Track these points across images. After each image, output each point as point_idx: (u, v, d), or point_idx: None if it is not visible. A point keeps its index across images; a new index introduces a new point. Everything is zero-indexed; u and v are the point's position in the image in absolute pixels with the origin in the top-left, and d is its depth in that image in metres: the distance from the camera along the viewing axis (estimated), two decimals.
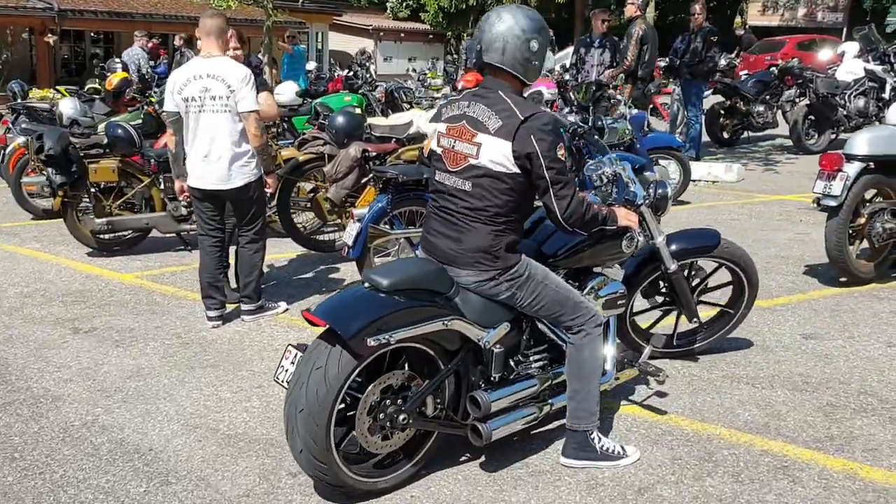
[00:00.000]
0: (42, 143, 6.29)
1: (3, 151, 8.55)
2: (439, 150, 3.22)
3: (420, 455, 3.21)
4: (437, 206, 3.24)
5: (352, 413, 3.04)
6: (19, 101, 10.35)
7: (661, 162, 7.85)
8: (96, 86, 11.81)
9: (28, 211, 8.11)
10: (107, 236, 6.77)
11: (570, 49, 14.14)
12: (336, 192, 6.05)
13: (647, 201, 3.70)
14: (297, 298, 5.56)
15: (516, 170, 3.02)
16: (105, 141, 6.60)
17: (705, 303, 4.46)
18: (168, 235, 6.89)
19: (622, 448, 3.39)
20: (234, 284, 5.31)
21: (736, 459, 3.41)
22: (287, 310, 5.33)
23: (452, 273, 3.14)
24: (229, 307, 5.21)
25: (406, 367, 3.13)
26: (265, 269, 5.47)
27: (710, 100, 12.36)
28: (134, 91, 10.38)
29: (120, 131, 6.55)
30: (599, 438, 3.34)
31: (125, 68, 12.18)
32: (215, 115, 4.69)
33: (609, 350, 3.65)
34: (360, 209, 5.28)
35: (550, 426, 3.62)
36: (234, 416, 3.82)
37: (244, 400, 4.00)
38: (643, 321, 4.43)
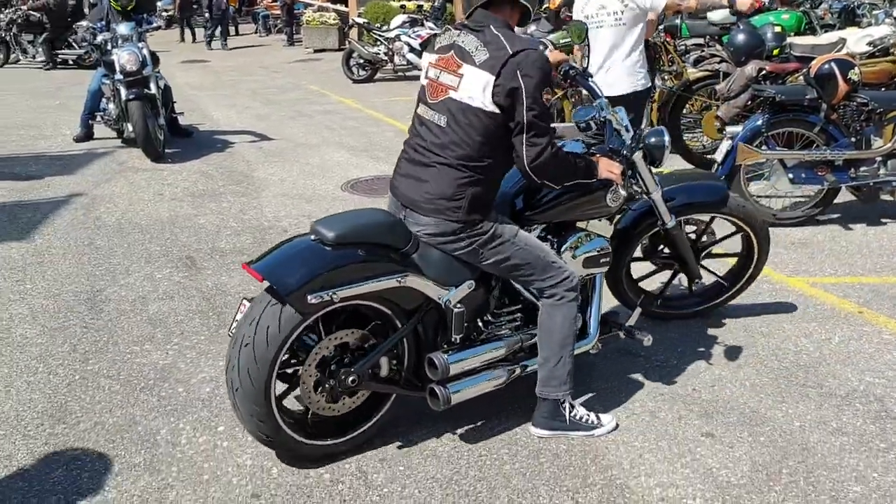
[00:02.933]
0: None
1: None
2: (425, 83, 2.99)
3: (374, 420, 3.03)
4: (408, 142, 3.02)
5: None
6: None
7: None
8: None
9: None
10: None
11: None
12: (726, 110, 6.05)
13: (636, 151, 3.22)
14: None
15: (493, 108, 2.78)
16: None
17: (716, 255, 4.04)
18: None
19: (597, 417, 3.12)
20: None
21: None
22: None
23: (413, 221, 2.90)
24: None
25: (362, 327, 2.93)
26: None
27: None
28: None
29: None
30: (572, 407, 3.09)
31: None
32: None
33: (593, 310, 3.30)
34: (734, 127, 5.29)
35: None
36: None
37: None
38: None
